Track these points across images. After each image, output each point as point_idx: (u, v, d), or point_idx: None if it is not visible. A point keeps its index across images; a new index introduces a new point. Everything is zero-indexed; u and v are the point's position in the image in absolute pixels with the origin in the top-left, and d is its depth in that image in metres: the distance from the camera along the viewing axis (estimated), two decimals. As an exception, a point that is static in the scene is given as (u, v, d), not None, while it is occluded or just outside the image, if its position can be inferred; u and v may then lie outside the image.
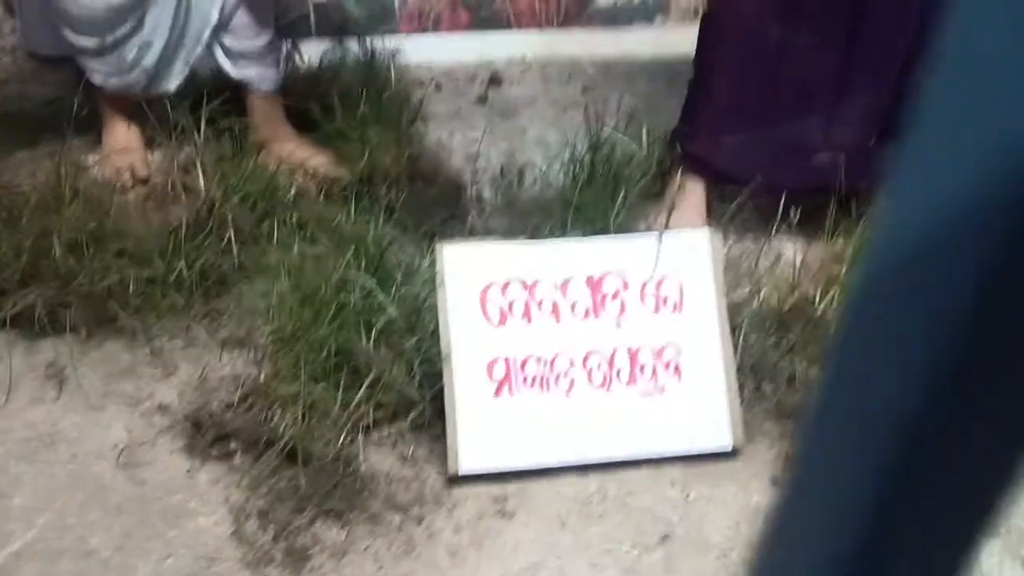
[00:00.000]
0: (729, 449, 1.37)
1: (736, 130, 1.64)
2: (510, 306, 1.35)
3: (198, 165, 1.64)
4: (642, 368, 1.37)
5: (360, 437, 1.35)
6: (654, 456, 1.37)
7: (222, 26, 1.73)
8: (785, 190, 1.66)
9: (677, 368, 1.38)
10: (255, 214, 1.62)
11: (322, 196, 1.76)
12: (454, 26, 2.50)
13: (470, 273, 1.34)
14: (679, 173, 1.76)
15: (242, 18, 1.73)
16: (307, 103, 1.94)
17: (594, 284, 1.39)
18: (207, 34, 1.72)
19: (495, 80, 2.44)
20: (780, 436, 1.42)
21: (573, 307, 1.37)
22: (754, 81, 1.59)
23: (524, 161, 2.02)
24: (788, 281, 1.61)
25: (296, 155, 1.82)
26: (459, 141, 2.14)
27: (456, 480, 1.32)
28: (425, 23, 2.48)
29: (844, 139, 1.58)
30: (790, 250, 1.72)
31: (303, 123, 1.93)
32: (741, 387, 1.42)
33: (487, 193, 1.93)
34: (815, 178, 1.62)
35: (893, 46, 1.51)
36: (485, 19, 2.51)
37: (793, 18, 1.53)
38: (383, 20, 2.44)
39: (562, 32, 2.54)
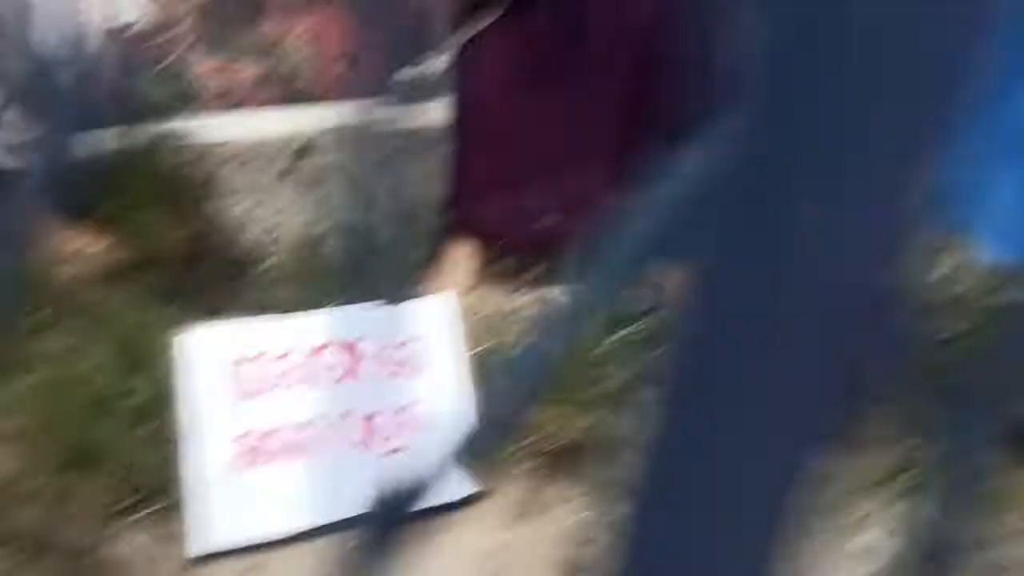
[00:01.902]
0: (465, 497, 1.45)
1: (489, 194, 1.75)
2: (256, 381, 1.40)
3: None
4: (386, 431, 1.44)
5: (113, 523, 1.38)
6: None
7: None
8: (541, 247, 1.78)
9: (421, 427, 1.46)
10: (19, 305, 1.63)
11: (101, 281, 1.79)
12: (263, 102, 2.57)
13: (217, 351, 1.40)
14: (448, 237, 1.86)
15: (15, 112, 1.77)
16: (96, 187, 1.98)
17: (340, 351, 1.46)
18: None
19: (303, 152, 2.51)
20: (526, 479, 1.51)
21: (321, 376, 1.44)
22: (498, 148, 1.70)
23: (320, 232, 2.10)
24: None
25: (74, 242, 1.85)
26: (258, 215, 2.20)
27: (203, 559, 1.35)
28: (231, 101, 2.54)
29: (579, 199, 1.70)
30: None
31: (89, 208, 1.96)
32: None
33: (277, 265, 1.99)
34: (557, 236, 1.73)
35: (613, 115, 1.64)
36: (295, 94, 2.59)
37: (525, 90, 1.65)
38: (187, 101, 2.49)
39: (370, 104, 2.63)
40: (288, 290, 1.89)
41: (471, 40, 1.63)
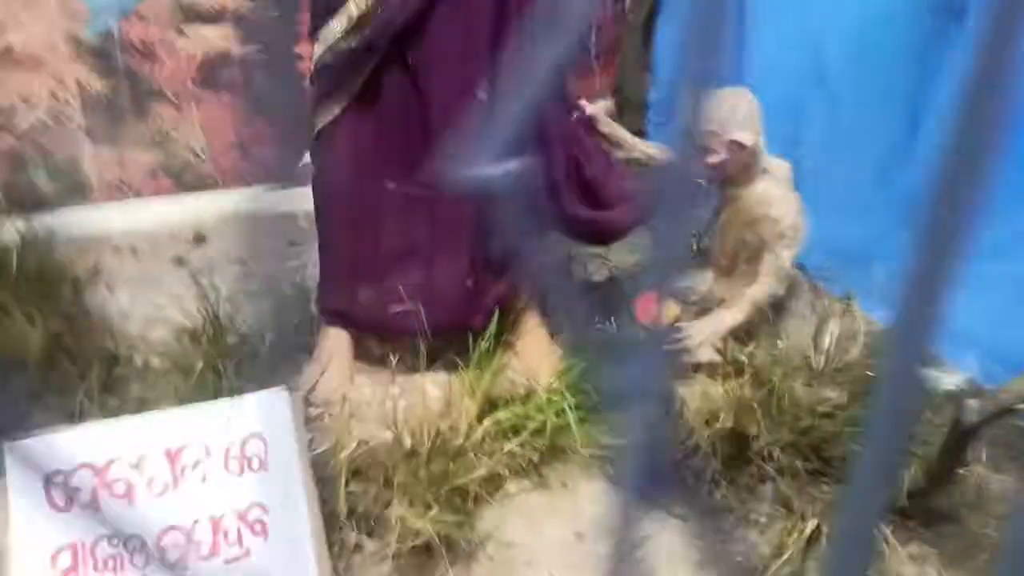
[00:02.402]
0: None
1: (348, 282, 1.73)
2: (77, 493, 1.34)
3: None
4: (226, 534, 1.38)
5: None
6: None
7: None
8: (409, 334, 1.74)
9: (264, 527, 1.40)
10: None
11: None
12: (157, 191, 2.55)
13: (36, 464, 1.34)
14: (322, 324, 1.83)
15: None
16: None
17: (172, 457, 1.40)
18: None
19: (198, 239, 2.48)
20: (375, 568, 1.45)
21: (150, 484, 1.38)
22: (352, 235, 1.68)
23: (201, 323, 2.05)
24: (419, 422, 1.66)
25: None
26: (142, 306, 2.16)
27: None
28: (124, 191, 2.52)
29: (430, 288, 1.68)
30: (432, 390, 1.79)
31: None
32: (342, 537, 1.45)
33: (147, 361, 1.94)
34: (413, 324, 1.70)
35: (462, 210, 1.63)
36: (189, 183, 2.57)
37: (372, 177, 1.63)
38: (78, 192, 2.46)
39: (272, 189, 2.62)
40: (156, 386, 1.84)
41: (325, 127, 1.62)
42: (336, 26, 1.50)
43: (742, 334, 1.88)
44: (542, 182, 1.66)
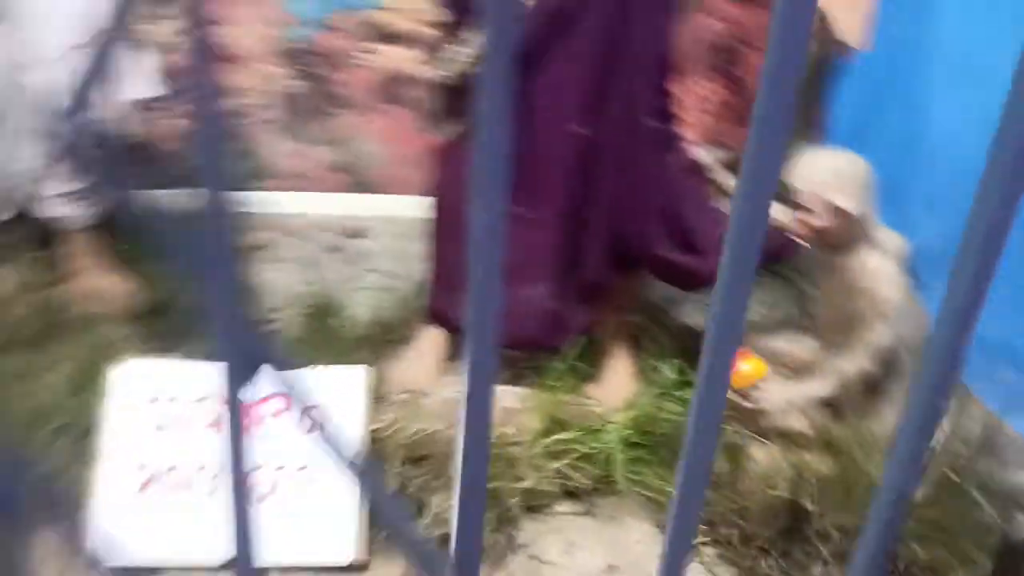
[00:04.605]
0: (348, 563, 1.51)
1: (452, 288, 1.85)
2: (168, 417, 1.55)
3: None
4: (281, 485, 1.54)
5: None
6: (282, 565, 1.51)
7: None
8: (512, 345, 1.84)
9: (316, 487, 1.54)
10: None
11: (110, 316, 2.01)
12: (328, 186, 2.83)
13: (138, 385, 1.55)
14: (423, 323, 1.97)
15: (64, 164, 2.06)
16: (139, 237, 2.24)
17: (257, 404, 1.58)
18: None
19: (355, 233, 2.72)
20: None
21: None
22: (460, 246, 1.80)
23: (339, 301, 2.25)
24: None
25: (98, 284, 2.09)
26: (285, 282, 2.40)
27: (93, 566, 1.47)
28: (300, 182, 2.81)
29: (515, 306, 1.76)
30: (508, 400, 1.88)
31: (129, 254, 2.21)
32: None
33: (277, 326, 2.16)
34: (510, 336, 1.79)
35: (558, 225, 1.72)
36: (357, 182, 2.83)
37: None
38: (261, 175, 2.77)
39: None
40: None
41: (448, 143, 1.76)
42: (465, 51, 1.64)
43: (830, 409, 1.83)
44: (633, 223, 1.72)
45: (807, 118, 2.78)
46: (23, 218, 2.11)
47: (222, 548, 1.47)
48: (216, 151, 0.42)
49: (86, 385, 1.63)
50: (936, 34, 2.37)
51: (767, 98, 0.38)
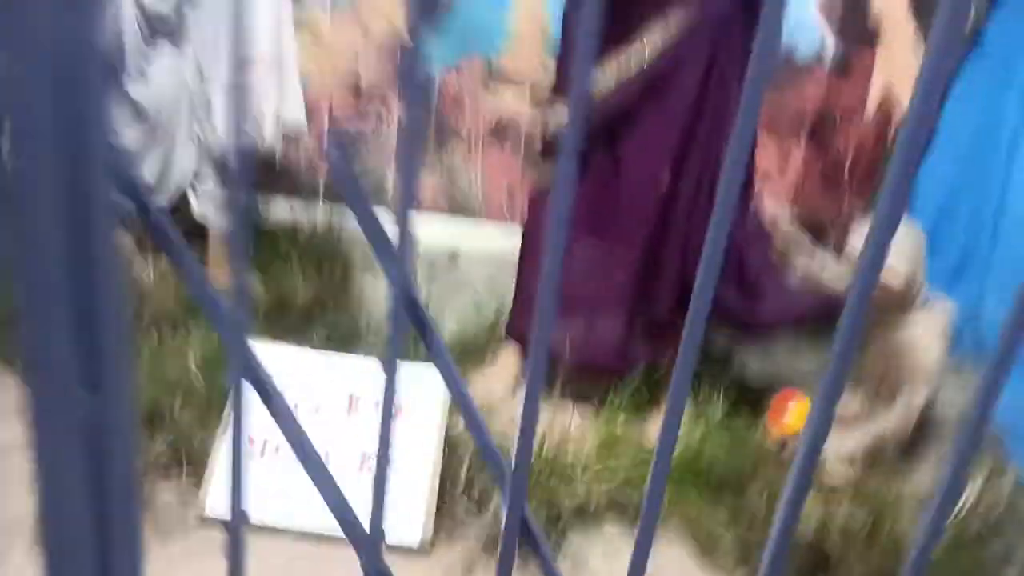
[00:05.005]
0: (417, 544, 1.75)
1: (533, 314, 2.09)
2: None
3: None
4: (366, 464, 1.80)
5: (151, 476, 1.82)
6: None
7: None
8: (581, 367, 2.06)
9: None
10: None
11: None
12: (435, 210, 3.11)
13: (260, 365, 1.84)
14: (506, 342, 2.22)
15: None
16: (266, 244, 2.57)
17: (354, 400, 1.85)
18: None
19: (453, 256, 2.99)
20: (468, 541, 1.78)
21: (332, 409, 1.85)
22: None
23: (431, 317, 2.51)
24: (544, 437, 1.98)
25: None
26: (385, 295, 2.67)
27: (211, 523, 1.75)
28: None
29: (589, 332, 1.99)
30: (574, 418, 2.10)
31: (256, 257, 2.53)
32: (451, 506, 1.81)
33: (373, 330, 2.44)
34: (574, 358, 2.01)
35: (638, 263, 1.94)
36: (461, 209, 3.11)
37: (582, 237, 1.99)
38: (377, 195, 3.08)
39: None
40: (373, 347, 2.32)
41: (543, 187, 2.01)
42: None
43: (865, 463, 1.97)
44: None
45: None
46: (175, 212, 2.45)
47: (308, 517, 1.73)
48: (354, 173, 0.54)
49: (217, 363, 1.93)
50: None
51: (899, 163, 0.48)
